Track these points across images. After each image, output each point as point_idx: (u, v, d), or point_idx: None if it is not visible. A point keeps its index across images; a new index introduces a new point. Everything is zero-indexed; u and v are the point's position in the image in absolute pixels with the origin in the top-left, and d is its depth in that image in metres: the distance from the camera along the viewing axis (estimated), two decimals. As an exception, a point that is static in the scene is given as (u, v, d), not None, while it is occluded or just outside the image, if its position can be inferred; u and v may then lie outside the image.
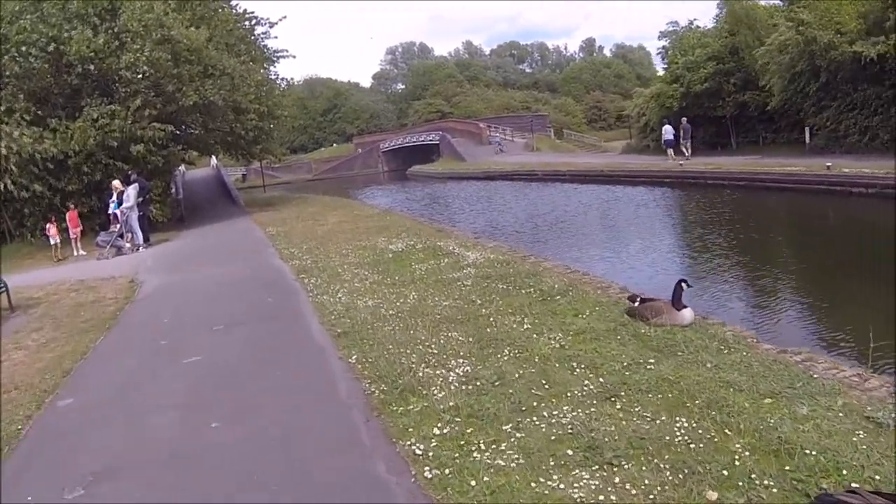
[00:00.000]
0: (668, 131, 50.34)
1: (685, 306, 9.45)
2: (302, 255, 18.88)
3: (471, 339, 9.41)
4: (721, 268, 19.50)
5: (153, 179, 31.33)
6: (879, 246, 19.88)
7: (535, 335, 9.31)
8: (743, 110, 54.17)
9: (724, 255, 21.14)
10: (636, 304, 9.99)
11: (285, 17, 43.36)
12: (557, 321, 10.00)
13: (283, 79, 41.49)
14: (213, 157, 67.51)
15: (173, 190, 39.89)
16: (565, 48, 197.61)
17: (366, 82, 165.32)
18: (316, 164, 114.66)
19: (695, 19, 67.49)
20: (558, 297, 11.49)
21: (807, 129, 44.83)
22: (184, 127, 35.98)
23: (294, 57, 43.05)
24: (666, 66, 62.94)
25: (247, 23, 40.15)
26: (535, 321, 10.05)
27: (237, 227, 30.88)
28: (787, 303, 15.81)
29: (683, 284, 9.56)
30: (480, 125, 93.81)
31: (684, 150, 48.36)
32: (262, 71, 38.68)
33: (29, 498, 6.36)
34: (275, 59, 42.35)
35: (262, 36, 41.65)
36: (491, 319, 10.36)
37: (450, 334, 9.74)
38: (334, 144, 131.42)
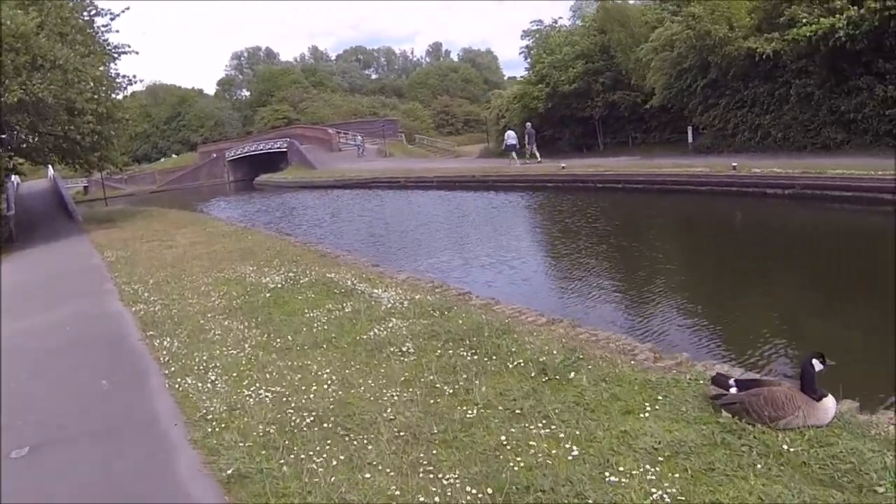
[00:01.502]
0: (510, 136, 50.84)
1: (824, 393, 5.85)
2: (149, 296, 14.17)
3: (490, 494, 5.18)
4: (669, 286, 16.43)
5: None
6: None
7: (601, 473, 5.31)
8: (612, 110, 53.15)
9: (672, 268, 18.62)
10: (732, 390, 6.32)
11: (128, 8, 37.20)
12: (612, 431, 6.03)
13: (124, 76, 35.94)
14: (50, 167, 61.77)
15: (4, 205, 34.00)
16: (412, 53, 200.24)
17: (210, 89, 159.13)
18: (160, 174, 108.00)
19: (559, 18, 65.10)
20: (570, 373, 7.49)
21: (690, 129, 43.79)
22: (7, 130, 30.31)
23: (137, 53, 36.91)
24: (529, 65, 60.95)
25: (85, 13, 34.79)
26: (575, 435, 6.03)
27: (72, 251, 25.41)
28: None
29: (817, 362, 5.93)
30: (330, 131, 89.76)
31: (535, 153, 48.26)
32: (101, 67, 33.13)
33: None
34: (115, 55, 36.80)
35: (101, 29, 36.24)
36: (492, 434, 6.23)
37: (441, 479, 5.49)
38: (177, 154, 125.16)
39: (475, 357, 8.28)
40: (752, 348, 11.35)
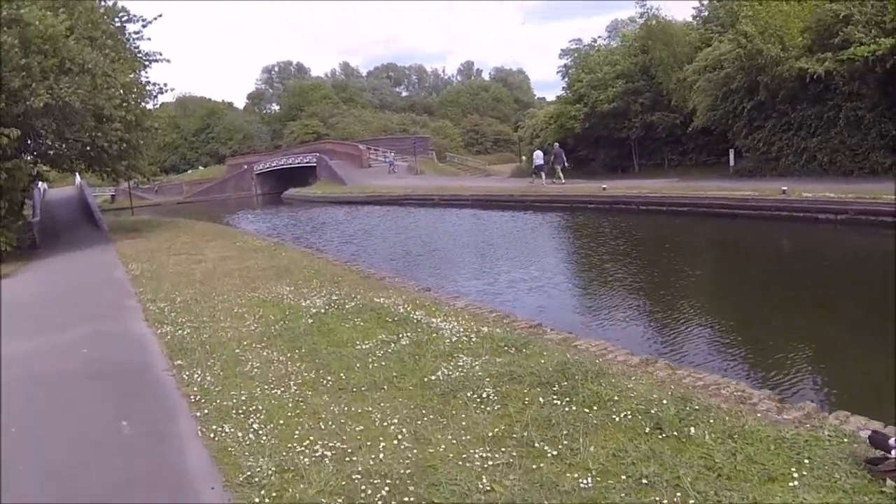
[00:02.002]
0: (538, 156, 49.69)
1: None
2: (177, 316, 12.78)
3: None
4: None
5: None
6: None
7: None
8: (649, 132, 51.72)
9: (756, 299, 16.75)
10: (894, 451, 5.10)
11: (161, 15, 35.94)
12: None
13: (155, 84, 34.66)
14: (77, 174, 60.74)
15: (29, 212, 33.71)
16: (443, 71, 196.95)
17: (240, 102, 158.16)
18: (187, 185, 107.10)
19: (598, 37, 63.61)
20: (688, 427, 6.17)
21: (731, 151, 42.39)
22: (33, 135, 29.04)
23: (169, 61, 35.57)
24: (567, 85, 59.34)
25: (116, 19, 33.61)
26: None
27: (95, 261, 24.08)
28: None
29: None
30: (360, 147, 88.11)
31: (560, 174, 46.77)
32: (131, 74, 31.86)
33: None
34: (147, 62, 35.53)
35: (132, 35, 35.03)
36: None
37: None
38: (204, 166, 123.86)
39: (572, 407, 6.85)
40: (876, 395, 9.74)
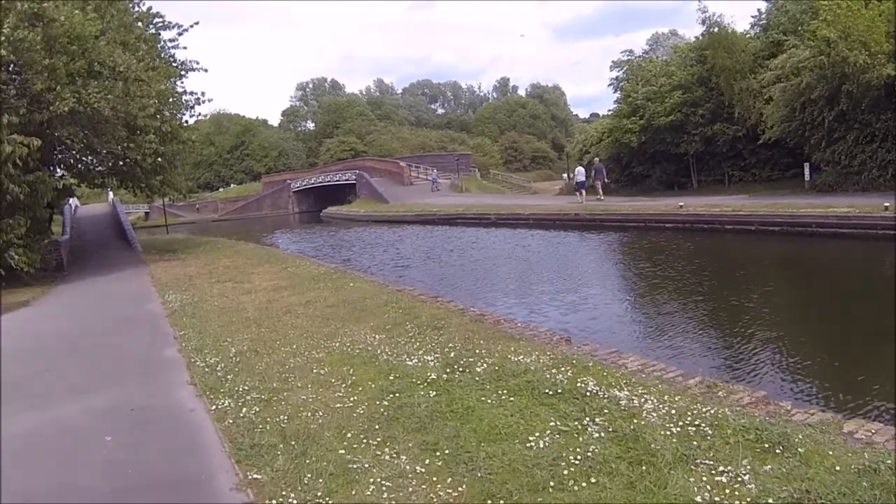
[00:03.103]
0: (580, 173, 48.90)
1: None
2: (236, 379, 9.33)
3: None
4: None
5: (14, 216, 21.89)
6: None
7: None
8: (707, 146, 48.68)
9: None
10: None
11: (198, 22, 32.82)
12: None
13: (192, 93, 31.40)
14: (110, 191, 57.97)
15: (67, 228, 31.64)
16: (479, 88, 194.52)
17: (274, 120, 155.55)
18: (222, 203, 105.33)
19: (650, 49, 60.74)
20: None
21: (807, 165, 39.35)
22: (58, 145, 25.72)
23: (206, 71, 32.15)
24: (621, 98, 56.62)
25: (151, 25, 30.53)
26: None
27: (126, 289, 20.75)
28: None
29: None
30: (401, 164, 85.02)
31: (599, 191, 47.01)
32: (166, 83, 28.56)
33: None
34: (183, 72, 32.25)
35: (168, 43, 32.02)
36: None
37: None
38: (239, 184, 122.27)
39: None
40: None
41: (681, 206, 34.56)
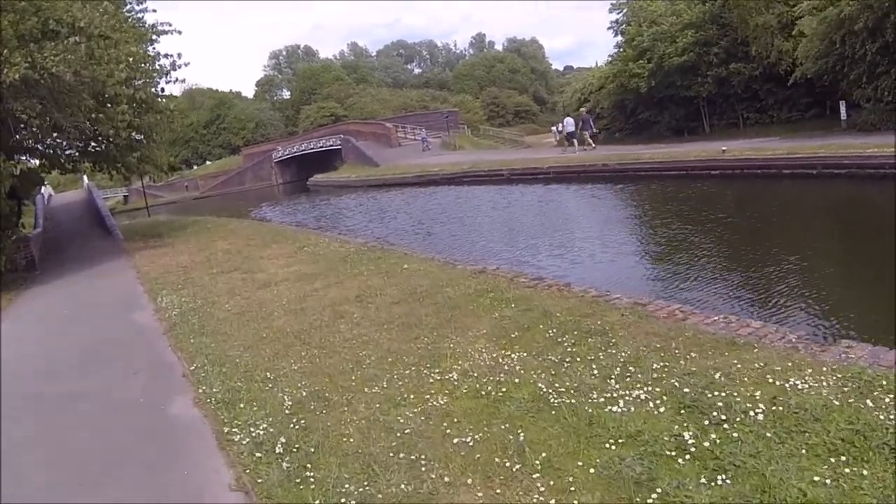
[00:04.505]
0: (570, 123, 47.11)
1: None
2: (319, 473, 5.30)
3: None
4: None
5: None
6: None
7: None
8: (721, 88, 45.84)
9: None
10: None
11: (169, -20, 28.71)
12: None
13: (167, 56, 27.02)
14: (85, 176, 53.73)
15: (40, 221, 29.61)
16: (455, 45, 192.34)
17: (248, 91, 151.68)
18: (202, 180, 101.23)
19: None
20: None
21: (842, 104, 36.16)
22: (13, 123, 21.32)
23: (180, 33, 27.65)
24: (622, 42, 54.64)
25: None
26: None
27: (108, 290, 16.53)
28: None
29: None
30: (388, 125, 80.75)
31: (589, 141, 44.85)
32: (136, 46, 24.24)
33: None
34: (154, 35, 27.73)
35: (135, 4, 27.97)
36: None
37: None
38: (218, 159, 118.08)
39: None
40: None
41: (724, 151, 30.62)
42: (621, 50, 54.02)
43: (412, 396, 6.64)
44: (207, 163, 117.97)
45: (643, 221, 23.08)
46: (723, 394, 5.51)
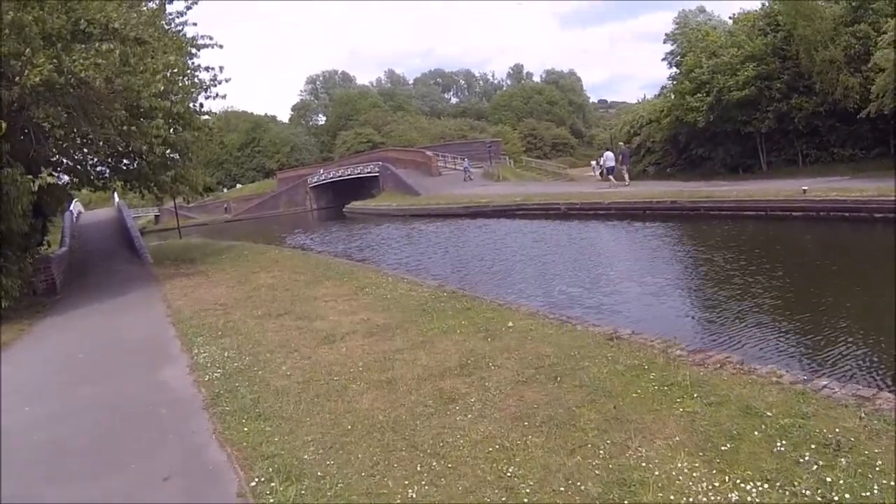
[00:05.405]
0: (609, 158, 45.19)
1: None
2: None
3: None
4: None
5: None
6: None
7: None
8: (780, 123, 44.13)
9: None
10: None
11: (207, -5, 26.40)
12: None
13: (208, 69, 24.68)
14: (115, 193, 51.46)
15: (66, 239, 29.35)
16: (492, 75, 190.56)
17: (283, 116, 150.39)
18: (235, 202, 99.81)
19: (709, 18, 55.37)
20: None
21: None
22: (32, 131, 18.63)
23: (221, 47, 25.20)
24: (678, 74, 52.72)
25: (155, -2, 23.84)
26: None
27: (134, 333, 13.51)
28: None
29: None
30: (427, 153, 78.44)
31: (624, 176, 43.40)
32: (175, 55, 21.82)
33: None
34: (194, 49, 25.27)
35: (176, 17, 25.26)
36: None
37: None
38: (249, 182, 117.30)
39: None
40: None
41: (805, 191, 27.78)
42: (675, 82, 52.28)
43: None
44: (238, 185, 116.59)
45: (748, 270, 19.29)
46: None
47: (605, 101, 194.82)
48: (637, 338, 9.22)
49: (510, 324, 10.19)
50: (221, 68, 24.89)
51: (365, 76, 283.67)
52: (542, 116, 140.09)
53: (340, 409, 7.25)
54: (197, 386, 8.83)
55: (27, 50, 14.96)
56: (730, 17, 54.00)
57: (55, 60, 15.30)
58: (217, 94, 25.37)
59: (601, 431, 6.10)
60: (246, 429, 6.98)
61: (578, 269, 22.46)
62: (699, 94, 46.71)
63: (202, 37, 25.17)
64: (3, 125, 14.49)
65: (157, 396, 8.69)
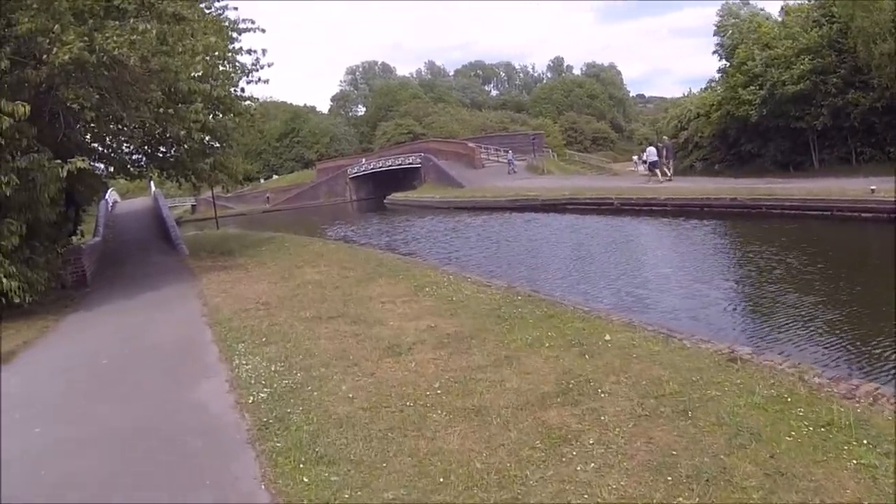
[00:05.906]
0: (651, 153, 44.50)
1: None
2: None
3: None
4: None
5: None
6: None
7: None
8: (834, 119, 42.23)
9: None
10: None
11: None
12: None
13: (250, 51, 23.52)
14: (152, 182, 50.40)
15: (100, 229, 29.12)
16: (532, 68, 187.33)
17: (323, 107, 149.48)
18: (273, 193, 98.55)
19: (762, 9, 53.77)
20: None
21: None
22: (62, 115, 17.31)
23: (264, 31, 23.90)
24: (728, 67, 50.92)
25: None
26: None
27: (166, 336, 12.00)
28: None
29: None
30: (470, 145, 76.92)
31: (666, 170, 42.60)
32: (216, 37, 20.52)
33: None
34: (235, 32, 24.01)
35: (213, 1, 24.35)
36: None
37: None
38: (290, 172, 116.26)
39: None
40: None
41: (873, 191, 25.87)
42: (728, 75, 50.18)
43: None
44: (275, 176, 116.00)
45: (827, 274, 17.60)
46: None
47: (643, 96, 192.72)
48: (761, 359, 7.70)
49: (607, 337, 8.67)
50: (265, 51, 23.81)
51: (405, 67, 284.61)
52: (583, 110, 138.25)
53: (424, 450, 5.76)
54: (239, 409, 7.32)
55: (56, 26, 13.81)
56: (780, 8, 52.40)
57: (86, 38, 14.17)
58: (259, 79, 24.22)
59: (766, 492, 4.68)
60: (305, 478, 5.44)
61: (642, 268, 21.19)
62: (752, 88, 45.32)
63: (244, 20, 24.02)
64: (28, 107, 13.25)
65: (190, 422, 7.20)
